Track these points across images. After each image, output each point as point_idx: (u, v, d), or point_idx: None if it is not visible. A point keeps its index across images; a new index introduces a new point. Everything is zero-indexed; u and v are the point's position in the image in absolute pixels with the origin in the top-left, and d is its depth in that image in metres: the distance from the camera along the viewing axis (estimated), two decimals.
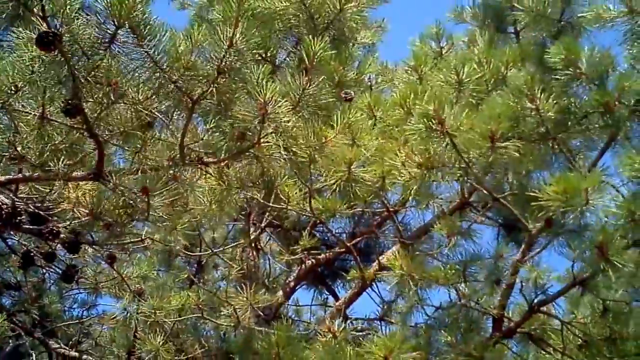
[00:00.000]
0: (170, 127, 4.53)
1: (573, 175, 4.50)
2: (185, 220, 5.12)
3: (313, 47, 4.27)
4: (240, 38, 3.92)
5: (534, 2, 6.28)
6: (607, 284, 5.35)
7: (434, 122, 4.59)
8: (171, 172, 4.47)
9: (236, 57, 3.99)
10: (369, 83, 7.65)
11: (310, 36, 4.46)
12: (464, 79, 5.46)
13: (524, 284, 5.92)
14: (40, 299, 7.55)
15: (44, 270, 6.99)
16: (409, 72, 6.81)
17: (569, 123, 5.26)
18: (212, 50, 3.99)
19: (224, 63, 3.99)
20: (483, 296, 5.95)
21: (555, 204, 4.44)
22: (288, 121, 4.22)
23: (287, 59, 7.15)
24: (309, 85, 4.27)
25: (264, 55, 6.70)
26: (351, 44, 7.19)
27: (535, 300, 5.87)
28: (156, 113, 4.34)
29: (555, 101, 4.97)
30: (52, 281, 7.65)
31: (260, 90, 4.03)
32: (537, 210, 4.67)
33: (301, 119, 4.47)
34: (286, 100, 4.18)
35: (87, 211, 4.51)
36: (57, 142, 4.35)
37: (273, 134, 4.31)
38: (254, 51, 4.20)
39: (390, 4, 7.25)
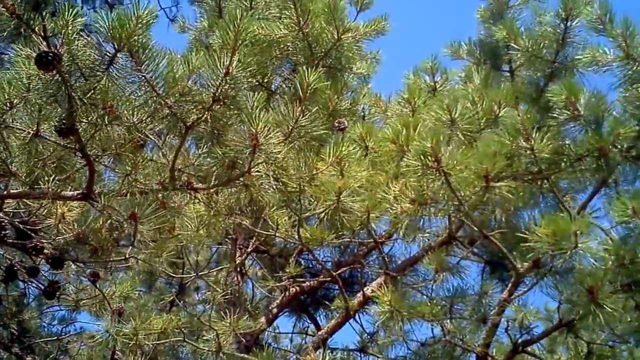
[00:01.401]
0: (162, 150, 4.49)
1: (563, 218, 4.49)
2: (172, 245, 5.06)
3: (307, 78, 4.26)
4: (237, 67, 3.91)
5: (530, 43, 6.33)
6: (592, 326, 5.34)
7: (430, 159, 4.58)
8: (160, 196, 4.42)
9: (232, 86, 3.97)
10: (362, 113, 7.66)
11: (306, 66, 4.45)
12: (456, 118, 5.47)
13: (509, 323, 5.92)
14: (20, 314, 7.47)
15: (25, 285, 6.93)
16: (402, 104, 6.82)
17: (563, 164, 5.27)
18: (209, 77, 3.97)
19: (219, 91, 3.96)
20: (468, 333, 5.92)
21: (544, 246, 4.44)
22: (279, 152, 4.19)
23: (283, 85, 7.14)
24: (302, 117, 4.25)
25: (260, 81, 6.70)
26: (347, 74, 7.20)
27: (520, 340, 5.86)
28: (149, 136, 4.30)
29: (549, 142, 4.97)
30: (32, 296, 7.59)
31: (252, 121, 4.01)
32: (526, 250, 4.67)
33: (293, 150, 4.44)
34: (278, 131, 4.16)
35: (73, 232, 4.45)
36: (48, 160, 4.30)
37: (264, 164, 4.28)
38: (250, 79, 4.16)
39: (386, 35, 7.20)
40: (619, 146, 5.06)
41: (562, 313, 5.39)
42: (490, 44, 7.09)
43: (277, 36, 6.55)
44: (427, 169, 4.65)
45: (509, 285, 5.84)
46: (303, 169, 4.71)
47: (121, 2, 12.43)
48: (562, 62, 6.30)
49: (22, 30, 3.45)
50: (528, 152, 4.98)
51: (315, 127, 4.33)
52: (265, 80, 6.87)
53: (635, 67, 5.27)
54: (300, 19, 6.51)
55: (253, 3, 7.06)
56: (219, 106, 4.02)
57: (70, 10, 3.49)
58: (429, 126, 5.53)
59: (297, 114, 4.20)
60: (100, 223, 4.39)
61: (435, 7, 19.97)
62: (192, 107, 4.02)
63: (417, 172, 4.73)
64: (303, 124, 4.24)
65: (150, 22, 3.62)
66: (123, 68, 3.73)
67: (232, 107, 4.08)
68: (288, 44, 6.69)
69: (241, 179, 4.31)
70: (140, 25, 3.57)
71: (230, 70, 3.87)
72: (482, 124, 5.69)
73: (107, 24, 3.55)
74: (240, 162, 4.25)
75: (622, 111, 5.38)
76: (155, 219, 4.18)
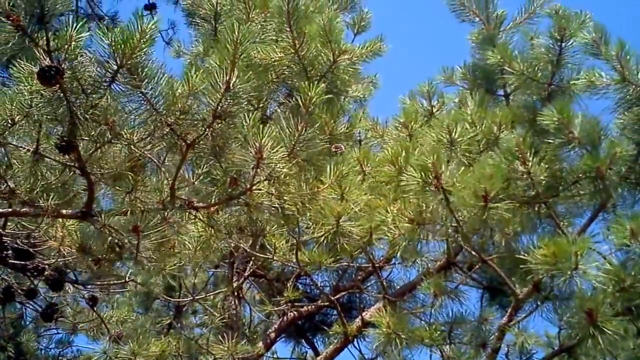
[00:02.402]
0: (163, 169, 4.48)
1: (562, 239, 4.50)
2: (172, 263, 5.04)
3: (309, 92, 4.27)
4: (237, 81, 3.91)
5: (525, 66, 6.34)
6: (592, 352, 5.31)
7: (430, 175, 4.58)
8: (161, 214, 4.40)
9: (232, 101, 3.97)
10: (359, 138, 7.67)
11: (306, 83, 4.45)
12: (456, 138, 5.47)
13: (510, 348, 5.88)
14: (17, 336, 7.42)
15: (23, 307, 6.88)
16: (399, 128, 6.83)
17: (560, 188, 5.27)
18: (209, 94, 3.97)
19: (220, 107, 3.97)
20: (467, 359, 5.88)
21: (544, 268, 4.43)
22: (283, 167, 4.19)
23: (278, 110, 7.15)
24: (305, 131, 4.26)
25: (256, 105, 6.70)
26: (343, 97, 7.21)
27: None
28: (149, 155, 4.30)
29: (546, 165, 4.98)
30: (30, 318, 7.53)
31: (257, 134, 4.01)
32: (525, 273, 4.66)
33: (295, 167, 4.44)
34: (281, 146, 4.16)
35: (75, 247, 4.44)
36: (48, 178, 4.29)
37: (266, 182, 4.28)
38: (250, 95, 4.17)
39: (382, 58, 7.23)
40: (616, 168, 5.07)
41: (563, 338, 5.36)
42: (484, 68, 7.09)
43: (273, 60, 6.57)
44: (426, 185, 4.66)
45: (509, 310, 5.81)
46: (304, 187, 4.70)
47: (115, 25, 12.45)
48: (558, 85, 6.29)
49: (25, 43, 3.46)
50: (525, 175, 4.99)
51: (317, 141, 4.34)
52: (261, 105, 6.87)
53: (631, 90, 5.29)
54: (296, 41, 6.52)
55: (249, 27, 7.08)
56: (219, 123, 4.02)
57: (74, 26, 3.50)
58: (427, 148, 5.54)
59: (300, 127, 4.21)
60: (101, 241, 4.36)
61: (430, 30, 20.11)
62: (193, 124, 4.03)
63: (416, 188, 4.73)
64: (306, 138, 4.25)
65: (154, 37, 3.63)
66: (125, 85, 3.74)
67: (232, 124, 4.08)
68: (284, 68, 6.70)
69: (243, 197, 4.30)
70: (143, 41, 3.58)
71: (230, 85, 3.87)
72: (481, 145, 5.70)
73: (110, 40, 3.56)
74: (242, 179, 4.25)
75: (618, 134, 5.40)
76: (155, 234, 4.17)
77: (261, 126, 3.98)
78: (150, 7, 12.24)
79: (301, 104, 4.26)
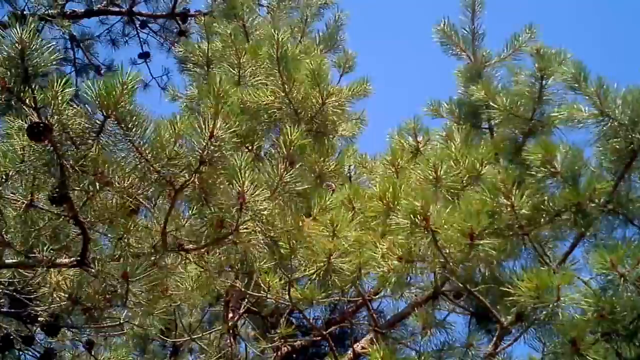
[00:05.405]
0: (154, 214, 4.60)
1: (545, 271, 4.60)
2: (163, 305, 5.13)
3: (290, 136, 4.40)
4: (221, 129, 4.07)
5: (507, 101, 6.51)
6: None
7: (419, 218, 4.71)
8: (152, 259, 4.51)
9: (217, 148, 4.12)
10: (349, 174, 7.79)
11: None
12: (441, 176, 5.60)
13: None
14: None
15: (21, 354, 6.93)
16: (387, 165, 6.95)
17: (542, 220, 5.39)
18: (195, 140, 4.12)
19: (205, 153, 4.12)
20: None
21: (527, 300, 4.53)
22: (265, 209, 4.32)
23: (272, 149, 7.28)
24: (286, 173, 4.40)
25: (250, 148, 6.83)
26: (332, 136, 7.34)
27: None
28: (140, 200, 4.42)
29: (529, 199, 5.10)
30: None
31: (239, 179, 4.15)
32: (510, 304, 4.76)
33: (279, 206, 4.56)
34: (264, 189, 4.30)
35: (66, 295, 4.54)
36: (42, 229, 4.39)
37: (252, 221, 4.40)
38: (238, 141, 4.31)
39: (370, 98, 7.38)
40: (596, 201, 5.19)
41: None
42: (469, 102, 7.25)
43: (264, 102, 6.72)
44: (415, 227, 4.78)
45: (494, 338, 5.91)
46: (290, 223, 4.82)
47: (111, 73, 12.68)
48: (539, 119, 6.49)
49: (12, 102, 3.59)
50: (509, 209, 5.10)
51: (299, 182, 4.47)
52: (256, 147, 7.00)
53: (609, 124, 5.42)
54: (286, 85, 6.68)
55: (241, 72, 7.26)
56: (205, 168, 4.16)
57: (60, 80, 3.64)
58: (414, 184, 5.67)
59: (281, 170, 4.34)
60: (95, 287, 4.47)
61: (418, 64, 20.28)
62: (180, 170, 4.17)
63: (405, 230, 4.85)
64: (287, 180, 4.38)
65: (135, 87, 3.77)
66: (112, 135, 3.88)
67: (218, 168, 4.22)
68: (275, 110, 6.84)
69: (230, 237, 4.43)
70: (126, 91, 3.73)
71: (214, 133, 4.02)
72: (465, 181, 5.83)
73: (95, 92, 3.70)
74: (229, 220, 4.37)
75: (598, 165, 5.52)
76: (147, 279, 4.27)
77: (244, 169, 4.11)
78: (145, 56, 12.59)
79: (282, 147, 4.40)
